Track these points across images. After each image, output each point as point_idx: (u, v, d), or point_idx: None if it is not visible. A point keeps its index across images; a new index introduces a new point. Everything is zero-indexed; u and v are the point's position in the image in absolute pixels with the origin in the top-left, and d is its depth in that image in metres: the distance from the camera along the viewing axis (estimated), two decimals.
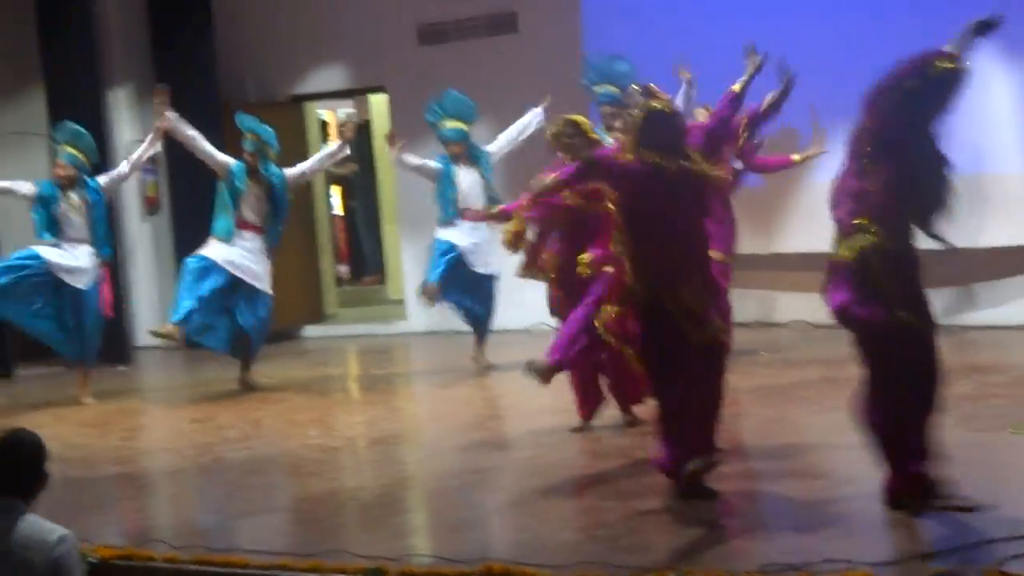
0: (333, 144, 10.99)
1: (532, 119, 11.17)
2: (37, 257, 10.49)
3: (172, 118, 10.64)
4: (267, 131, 10.81)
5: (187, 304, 10.43)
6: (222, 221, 10.64)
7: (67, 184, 10.64)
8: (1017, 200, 10.72)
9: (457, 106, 11.08)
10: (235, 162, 10.74)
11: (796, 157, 10.23)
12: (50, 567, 4.50)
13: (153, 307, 14.22)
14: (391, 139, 11.36)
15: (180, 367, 12.84)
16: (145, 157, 10.93)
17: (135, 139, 13.92)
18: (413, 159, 11.18)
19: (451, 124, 11.06)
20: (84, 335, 10.65)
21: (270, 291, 10.80)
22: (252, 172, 10.71)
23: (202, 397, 10.69)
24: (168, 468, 8.42)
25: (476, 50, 13.29)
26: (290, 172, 10.87)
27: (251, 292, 10.69)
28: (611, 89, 9.59)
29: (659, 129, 6.26)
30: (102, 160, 13.56)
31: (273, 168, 10.78)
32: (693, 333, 6.13)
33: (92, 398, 10.69)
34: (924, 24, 10.88)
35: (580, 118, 8.06)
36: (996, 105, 10.69)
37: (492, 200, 10.88)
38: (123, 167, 11.04)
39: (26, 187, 10.71)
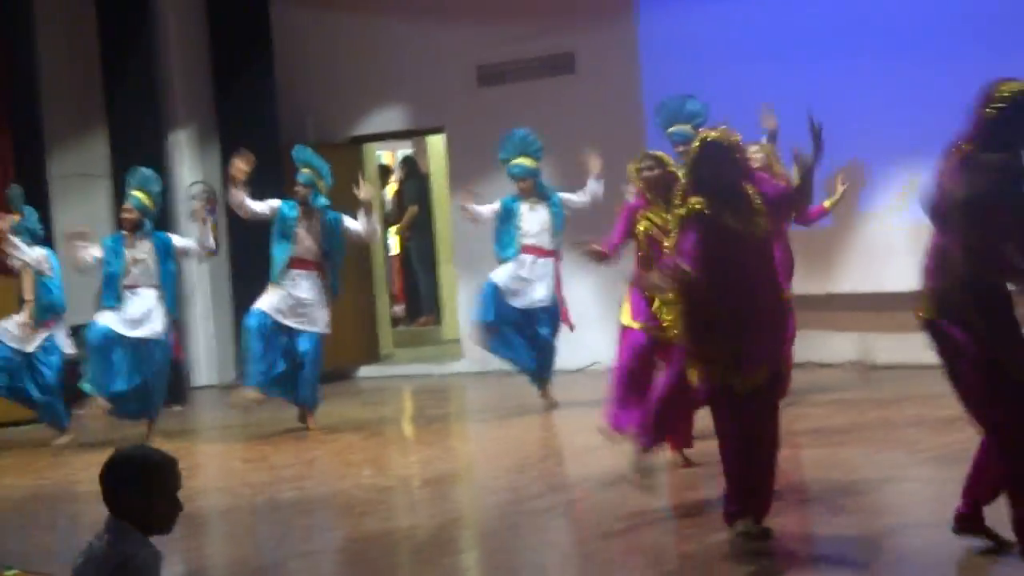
0: (360, 222, 10.85)
1: (590, 190, 11.05)
2: (106, 330, 10.55)
3: (239, 197, 10.66)
4: (322, 164, 10.84)
5: (259, 368, 10.50)
6: (275, 263, 10.67)
7: (131, 228, 10.69)
8: None
9: (524, 144, 11.07)
10: (281, 201, 10.77)
11: (827, 204, 10.04)
12: None
13: (211, 348, 14.32)
14: (467, 194, 11.29)
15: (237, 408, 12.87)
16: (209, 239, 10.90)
17: (195, 180, 14.08)
18: (480, 210, 11.15)
19: (518, 161, 11.03)
20: (148, 389, 10.69)
21: (321, 330, 10.76)
22: (303, 205, 10.71)
23: (256, 437, 10.72)
24: (222, 507, 8.44)
25: (534, 91, 13.33)
26: (345, 219, 10.80)
27: (308, 334, 10.68)
28: (684, 128, 9.51)
29: (714, 162, 6.14)
30: (164, 200, 13.76)
31: (324, 202, 10.76)
32: (737, 381, 6.05)
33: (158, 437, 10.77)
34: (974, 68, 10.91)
35: (661, 153, 8.06)
36: None
37: (560, 242, 10.87)
38: (193, 246, 10.96)
39: (94, 250, 10.75)
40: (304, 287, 10.68)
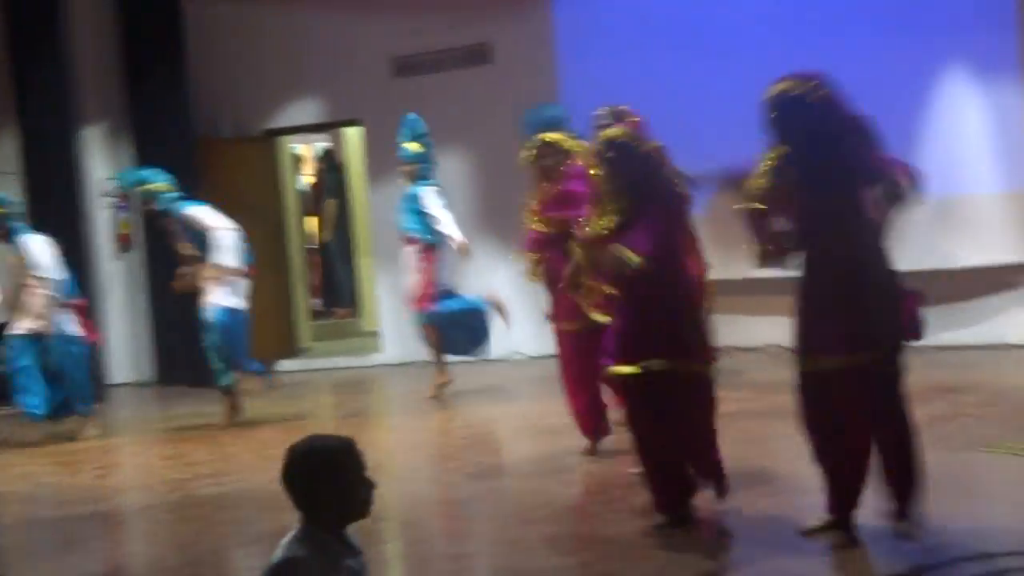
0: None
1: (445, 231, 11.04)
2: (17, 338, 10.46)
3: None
4: (144, 175, 10.83)
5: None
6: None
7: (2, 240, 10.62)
8: (986, 221, 10.75)
9: (413, 129, 11.06)
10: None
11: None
12: None
13: (127, 345, 14.15)
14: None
15: (152, 404, 12.76)
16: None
17: (107, 176, 13.89)
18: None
19: (405, 145, 11.08)
20: (69, 383, 10.58)
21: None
22: (161, 215, 10.69)
23: (174, 433, 10.61)
24: (140, 505, 8.34)
25: (451, 82, 13.30)
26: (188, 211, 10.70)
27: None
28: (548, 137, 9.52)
29: (619, 162, 6.21)
30: (74, 197, 13.60)
31: (170, 198, 10.65)
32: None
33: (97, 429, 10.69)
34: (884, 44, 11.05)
35: (552, 136, 8.08)
36: (966, 129, 10.74)
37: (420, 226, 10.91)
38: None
39: None
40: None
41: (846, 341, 5.52)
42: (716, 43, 11.75)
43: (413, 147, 11.02)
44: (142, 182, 10.73)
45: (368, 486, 3.80)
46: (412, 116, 11.12)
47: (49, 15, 13.47)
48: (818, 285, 5.62)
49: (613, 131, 6.37)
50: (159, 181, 10.65)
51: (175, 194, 10.65)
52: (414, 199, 10.99)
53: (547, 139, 8.10)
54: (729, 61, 11.49)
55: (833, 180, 5.57)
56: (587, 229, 6.37)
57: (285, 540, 3.73)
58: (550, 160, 7.97)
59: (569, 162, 7.99)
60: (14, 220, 10.64)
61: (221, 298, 10.51)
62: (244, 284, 10.62)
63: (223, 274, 10.46)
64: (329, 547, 3.73)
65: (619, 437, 8.16)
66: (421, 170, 11.02)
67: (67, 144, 13.57)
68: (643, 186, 6.19)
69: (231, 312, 10.55)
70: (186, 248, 10.59)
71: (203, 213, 10.59)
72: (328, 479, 3.73)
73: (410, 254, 11.04)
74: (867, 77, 11.40)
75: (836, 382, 5.56)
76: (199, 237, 10.60)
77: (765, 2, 11.75)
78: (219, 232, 10.48)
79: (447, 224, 10.88)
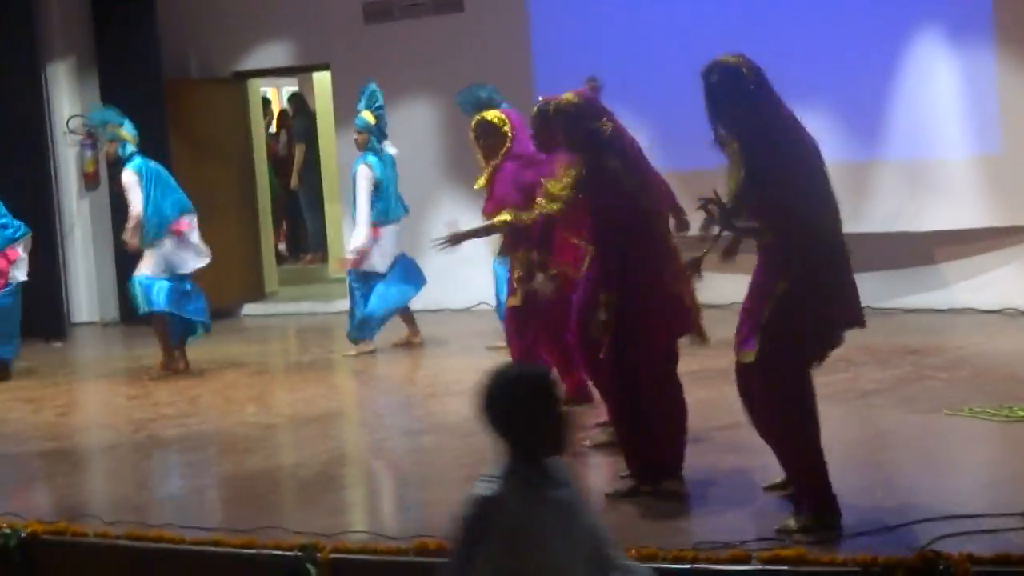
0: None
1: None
2: None
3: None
4: (114, 115, 10.63)
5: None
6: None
7: None
8: (955, 185, 10.79)
9: (371, 99, 11.04)
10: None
11: None
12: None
13: (91, 284, 14.07)
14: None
15: (117, 343, 12.73)
16: None
17: (73, 114, 13.79)
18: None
19: (363, 115, 11.02)
20: None
21: (139, 274, 10.45)
22: (115, 163, 10.55)
23: (139, 373, 10.58)
24: (103, 444, 8.35)
25: (422, 29, 13.22)
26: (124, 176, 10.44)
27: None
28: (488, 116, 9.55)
29: (570, 126, 6.22)
30: (41, 134, 13.48)
31: (131, 150, 10.47)
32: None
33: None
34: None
35: (490, 114, 8.24)
36: (937, 91, 10.76)
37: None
38: None
39: None
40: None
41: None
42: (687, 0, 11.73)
43: (368, 116, 11.00)
44: (110, 122, 10.60)
45: (567, 419, 3.63)
46: (372, 86, 11.09)
47: None
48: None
49: (567, 96, 6.34)
50: (128, 130, 10.53)
51: (134, 149, 10.51)
52: (353, 174, 10.99)
53: (484, 118, 8.28)
54: (700, 15, 11.47)
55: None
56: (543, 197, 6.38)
57: (483, 476, 3.62)
58: (490, 140, 8.13)
59: (507, 145, 8.09)
60: None
61: (144, 269, 10.43)
62: None
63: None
64: (531, 480, 3.58)
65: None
66: (371, 141, 11.00)
67: (32, 80, 13.42)
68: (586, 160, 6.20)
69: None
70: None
71: (132, 186, 10.42)
72: (536, 406, 3.56)
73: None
74: (837, 37, 11.45)
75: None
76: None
77: None
78: (131, 214, 10.35)
79: (360, 219, 10.87)
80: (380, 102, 11.05)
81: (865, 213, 10.46)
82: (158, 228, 10.33)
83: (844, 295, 5.48)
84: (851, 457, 6.42)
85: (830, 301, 5.44)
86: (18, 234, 10.67)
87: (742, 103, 5.44)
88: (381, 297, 10.95)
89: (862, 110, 10.90)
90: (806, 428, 5.46)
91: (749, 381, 5.58)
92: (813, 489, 5.46)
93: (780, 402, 5.44)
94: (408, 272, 11.14)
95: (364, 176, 10.87)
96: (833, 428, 7.10)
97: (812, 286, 5.38)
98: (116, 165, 10.58)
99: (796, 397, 5.44)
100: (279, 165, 16.99)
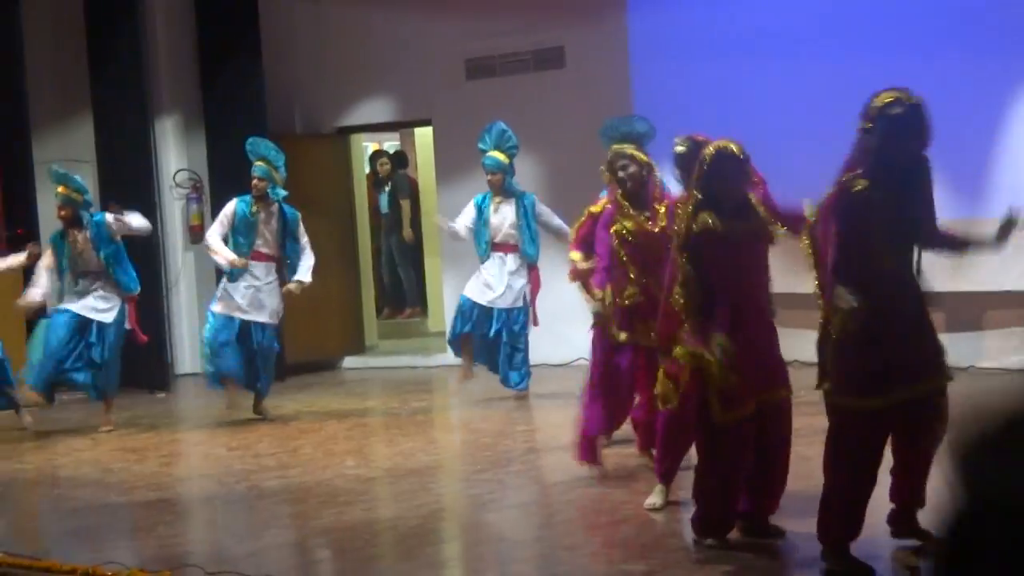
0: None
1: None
2: (64, 312, 10.58)
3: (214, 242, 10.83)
4: (277, 155, 10.86)
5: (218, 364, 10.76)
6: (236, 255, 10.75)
7: (68, 224, 10.67)
8: None
9: (501, 138, 11.13)
10: (238, 198, 10.83)
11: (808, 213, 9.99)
12: None
13: (195, 335, 14.26)
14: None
15: (219, 395, 12.85)
16: (131, 225, 10.80)
17: (180, 168, 14.04)
18: (456, 227, 11.31)
19: (492, 154, 11.12)
20: (106, 369, 10.67)
21: (273, 321, 10.76)
22: (260, 199, 10.74)
23: (241, 425, 10.70)
24: (204, 495, 8.43)
25: (523, 85, 13.31)
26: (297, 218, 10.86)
27: (260, 325, 10.74)
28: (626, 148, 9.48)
29: (726, 173, 6.10)
30: (148, 187, 13.73)
31: (282, 194, 10.78)
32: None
33: (112, 426, 10.76)
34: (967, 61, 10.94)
35: (633, 149, 8.02)
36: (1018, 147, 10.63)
37: (530, 241, 10.97)
38: (121, 217, 10.78)
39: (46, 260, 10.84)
40: (261, 279, 10.71)
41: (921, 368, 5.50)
42: (789, 53, 11.68)
43: (499, 155, 11.08)
44: (269, 160, 10.79)
45: None
46: (501, 126, 11.15)
47: (127, 6, 13.61)
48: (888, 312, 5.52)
49: (721, 142, 6.27)
50: (282, 173, 10.77)
51: (285, 192, 10.78)
52: (525, 212, 11.07)
53: (623, 149, 8.02)
54: (802, 72, 11.43)
55: (915, 204, 5.50)
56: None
57: None
58: (633, 169, 7.89)
59: (649, 178, 7.88)
60: (84, 207, 10.74)
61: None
62: None
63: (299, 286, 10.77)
64: None
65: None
66: (506, 181, 11.07)
67: (141, 134, 13.71)
68: (740, 201, 6.13)
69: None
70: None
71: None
72: None
73: (515, 261, 11.18)
74: (941, 93, 11.32)
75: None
76: (284, 239, 10.73)
77: (840, 14, 11.67)
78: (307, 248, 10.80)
79: (564, 232, 10.80)
80: (514, 142, 11.15)
81: (968, 271, 10.33)
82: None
83: None
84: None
85: None
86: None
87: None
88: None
89: (966, 167, 10.77)
90: None
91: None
92: None
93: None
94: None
95: (542, 206, 11.15)
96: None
97: None
98: (261, 200, 10.74)
99: None
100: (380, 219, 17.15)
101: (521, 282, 11.13)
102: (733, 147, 6.10)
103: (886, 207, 5.44)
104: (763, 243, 6.17)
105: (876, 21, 11.43)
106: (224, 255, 10.71)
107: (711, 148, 6.16)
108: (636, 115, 9.75)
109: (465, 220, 11.27)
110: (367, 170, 17.33)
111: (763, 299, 6.23)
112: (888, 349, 5.43)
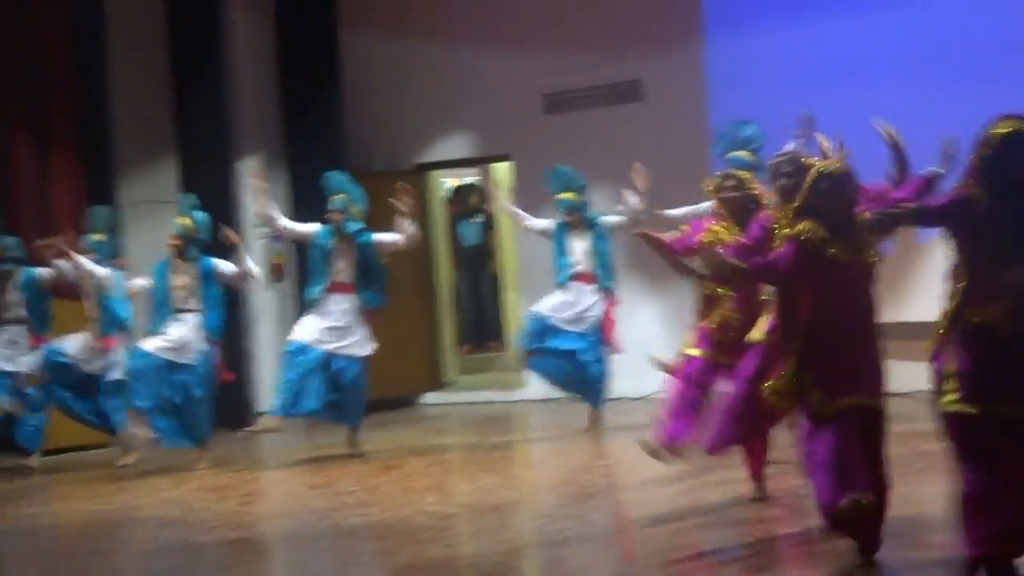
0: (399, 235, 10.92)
1: (629, 204, 11.23)
2: (146, 355, 10.70)
3: (265, 209, 10.98)
4: (354, 189, 11.00)
5: (281, 396, 10.82)
6: (313, 286, 10.89)
7: (175, 254, 10.80)
8: None
9: (567, 180, 11.35)
10: (320, 226, 10.88)
11: None
12: None
13: (275, 372, 14.33)
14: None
15: (300, 432, 12.92)
16: (248, 268, 10.99)
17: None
18: (523, 216, 11.70)
19: (563, 196, 11.44)
20: (192, 414, 10.76)
21: (362, 353, 10.81)
22: (337, 232, 10.81)
23: (320, 463, 10.73)
24: (285, 533, 8.44)
25: (600, 119, 13.32)
26: (377, 237, 10.90)
27: (345, 356, 10.74)
28: (741, 155, 9.50)
29: (831, 194, 6.02)
30: (231, 226, 13.81)
31: (357, 226, 10.86)
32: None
33: (207, 464, 10.83)
34: None
35: (744, 173, 7.98)
36: None
37: (604, 268, 11.07)
38: (234, 270, 10.98)
39: (141, 280, 11.07)
40: (341, 311, 10.76)
41: None
42: (869, 82, 11.59)
43: (571, 197, 11.35)
44: (345, 192, 10.87)
45: None
46: (561, 168, 11.32)
47: (209, 47, 13.80)
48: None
49: (830, 162, 6.21)
50: (360, 203, 10.82)
51: (363, 224, 10.85)
52: (599, 239, 11.25)
53: (735, 173, 7.94)
54: (881, 101, 11.32)
55: None
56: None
57: None
58: (739, 194, 7.81)
59: (756, 206, 7.74)
60: (197, 244, 10.83)
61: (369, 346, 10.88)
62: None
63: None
64: None
65: (770, 486, 8.07)
66: (583, 217, 11.23)
67: (224, 174, 13.86)
68: (844, 222, 6.04)
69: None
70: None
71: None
72: None
73: (593, 292, 11.37)
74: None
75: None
76: (369, 269, 10.81)
77: (918, 38, 11.57)
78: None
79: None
80: (581, 181, 11.39)
81: None
82: None
83: None
84: None
85: None
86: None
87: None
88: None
89: None
90: None
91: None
92: None
93: None
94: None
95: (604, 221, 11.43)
96: None
97: None
98: (339, 235, 10.87)
99: None
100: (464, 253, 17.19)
101: (597, 309, 11.18)
102: (836, 166, 6.07)
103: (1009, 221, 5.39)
104: (865, 264, 6.09)
105: (957, 48, 11.32)
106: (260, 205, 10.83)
107: (817, 169, 6.11)
108: (745, 121, 9.79)
109: (540, 224, 11.65)
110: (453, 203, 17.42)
111: (867, 324, 6.12)
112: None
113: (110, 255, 11.41)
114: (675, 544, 7.11)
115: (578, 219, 11.37)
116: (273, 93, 14.36)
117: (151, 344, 10.69)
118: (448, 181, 17.48)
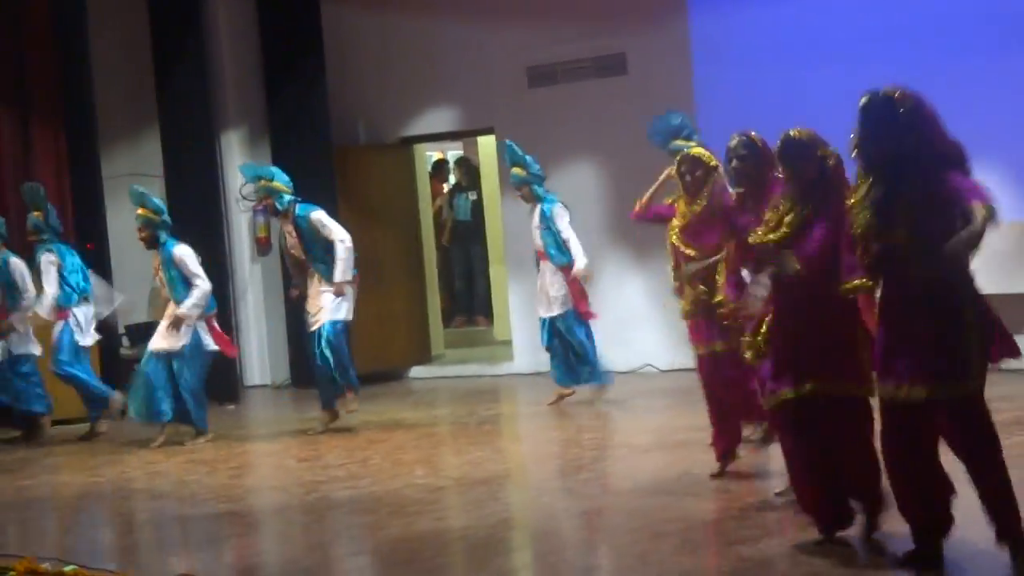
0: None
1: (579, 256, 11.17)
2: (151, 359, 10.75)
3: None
4: (266, 169, 11.05)
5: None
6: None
7: (148, 246, 10.84)
8: None
9: (510, 155, 11.32)
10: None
11: None
12: None
13: (263, 347, 14.38)
14: None
15: (288, 405, 12.96)
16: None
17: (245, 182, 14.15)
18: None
19: (511, 171, 11.38)
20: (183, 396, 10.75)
21: (325, 320, 10.67)
22: (274, 214, 10.94)
23: (310, 436, 10.76)
24: (275, 506, 8.48)
25: (585, 92, 13.31)
26: (315, 216, 10.76)
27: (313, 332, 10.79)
28: (679, 143, 9.49)
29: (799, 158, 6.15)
30: (215, 201, 13.87)
31: (288, 199, 10.77)
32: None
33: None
34: None
35: (698, 151, 8.01)
36: None
37: (555, 246, 11.10)
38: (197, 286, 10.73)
39: None
40: (309, 287, 10.80)
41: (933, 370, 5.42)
42: (853, 57, 11.59)
43: (517, 171, 11.22)
44: (262, 177, 10.91)
45: None
46: (510, 144, 11.39)
47: (190, 19, 13.77)
48: (898, 309, 5.52)
49: (794, 130, 6.27)
50: (279, 180, 10.82)
51: (293, 197, 10.80)
52: (545, 218, 11.13)
53: (692, 154, 7.98)
54: (866, 76, 11.28)
55: (916, 193, 5.43)
56: (756, 233, 6.21)
57: None
58: (697, 175, 7.88)
59: (713, 179, 7.84)
60: (163, 229, 10.83)
61: (332, 311, 10.66)
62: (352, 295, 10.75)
63: (338, 288, 10.60)
64: None
65: (752, 459, 8.14)
66: (534, 188, 11.17)
67: (207, 148, 13.86)
68: (817, 191, 6.07)
69: (342, 324, 10.71)
70: (296, 251, 10.74)
71: (328, 219, 10.71)
72: None
73: (548, 271, 11.28)
74: (1010, 95, 11.25)
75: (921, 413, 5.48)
76: (315, 244, 10.72)
77: (903, 15, 11.58)
78: (339, 243, 10.59)
79: (575, 245, 11.14)
80: (518, 154, 11.31)
81: None
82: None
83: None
84: None
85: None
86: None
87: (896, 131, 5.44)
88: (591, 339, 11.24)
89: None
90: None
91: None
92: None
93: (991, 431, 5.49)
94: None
95: (562, 210, 11.20)
96: None
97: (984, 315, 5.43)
98: (277, 216, 10.92)
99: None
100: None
101: (560, 289, 11.16)
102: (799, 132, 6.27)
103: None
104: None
105: (941, 23, 11.33)
106: None
107: (782, 137, 6.24)
108: (671, 112, 9.84)
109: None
110: (453, 178, 17.46)
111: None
112: None
113: (53, 232, 11.47)
114: (664, 516, 7.17)
115: (528, 194, 11.27)
116: (256, 66, 14.33)
117: (154, 345, 10.75)
118: (434, 154, 17.50)
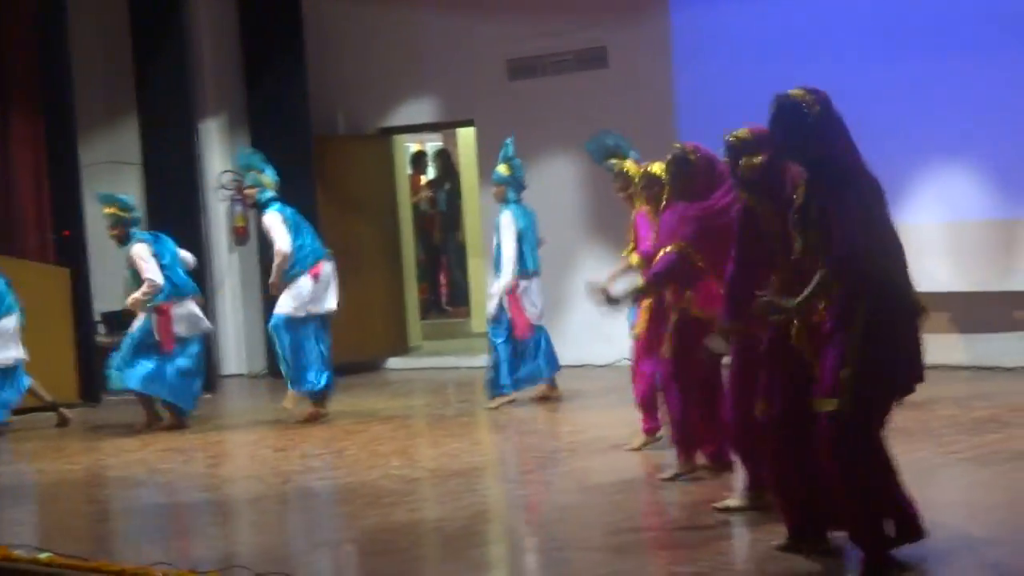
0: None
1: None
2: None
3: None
4: (262, 163, 11.02)
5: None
6: None
7: (121, 243, 10.87)
8: None
9: (505, 153, 11.22)
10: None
11: None
12: None
13: (239, 337, 14.36)
14: None
15: (264, 395, 12.93)
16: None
17: (224, 169, 14.13)
18: None
19: (498, 167, 11.22)
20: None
21: (279, 312, 10.78)
22: (253, 207, 11.27)
23: (286, 425, 10.75)
24: (251, 495, 8.46)
25: (566, 85, 13.31)
26: (265, 218, 10.86)
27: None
28: (614, 162, 9.54)
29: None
30: (193, 189, 13.83)
31: (269, 195, 10.83)
32: None
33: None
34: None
35: (627, 166, 8.49)
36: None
37: (496, 257, 11.07)
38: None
39: None
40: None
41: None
42: (834, 53, 11.62)
43: (502, 169, 11.13)
44: (254, 167, 10.92)
45: None
46: (507, 140, 11.24)
47: (170, 9, 13.72)
48: None
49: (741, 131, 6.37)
50: (269, 176, 10.83)
51: (273, 195, 10.79)
52: (496, 222, 11.12)
53: (625, 171, 8.80)
54: (846, 72, 11.36)
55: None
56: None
57: None
58: (654, 190, 8.17)
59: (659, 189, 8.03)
60: (131, 225, 10.85)
61: (279, 304, 10.76)
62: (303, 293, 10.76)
63: (271, 287, 10.82)
64: None
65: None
66: (507, 192, 11.11)
67: (186, 136, 13.82)
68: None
69: (284, 318, 10.75)
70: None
71: (276, 226, 10.70)
72: None
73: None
74: (987, 93, 11.29)
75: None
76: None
77: (885, 14, 11.61)
78: (276, 252, 10.67)
79: (506, 261, 10.93)
80: (511, 154, 11.17)
81: (1017, 271, 10.21)
82: (301, 268, 10.67)
83: (912, 348, 5.42)
84: (998, 522, 6.26)
85: (899, 352, 5.37)
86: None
87: (802, 135, 5.50)
88: (522, 365, 11.04)
89: (1013, 167, 10.69)
90: (874, 480, 5.40)
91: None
92: (869, 545, 5.40)
93: (851, 454, 5.35)
94: (549, 353, 11.15)
95: (508, 222, 10.97)
96: (979, 491, 7.01)
97: (887, 336, 5.32)
98: (254, 208, 10.95)
99: (866, 449, 5.37)
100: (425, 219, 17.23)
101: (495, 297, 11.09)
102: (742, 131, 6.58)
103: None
104: None
105: (922, 22, 11.36)
106: None
107: (729, 136, 6.62)
108: (604, 132, 9.92)
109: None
110: (433, 171, 17.46)
111: None
112: None
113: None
114: (639, 510, 7.18)
115: (500, 194, 11.13)
116: (235, 55, 14.29)
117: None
118: (413, 146, 17.49)
